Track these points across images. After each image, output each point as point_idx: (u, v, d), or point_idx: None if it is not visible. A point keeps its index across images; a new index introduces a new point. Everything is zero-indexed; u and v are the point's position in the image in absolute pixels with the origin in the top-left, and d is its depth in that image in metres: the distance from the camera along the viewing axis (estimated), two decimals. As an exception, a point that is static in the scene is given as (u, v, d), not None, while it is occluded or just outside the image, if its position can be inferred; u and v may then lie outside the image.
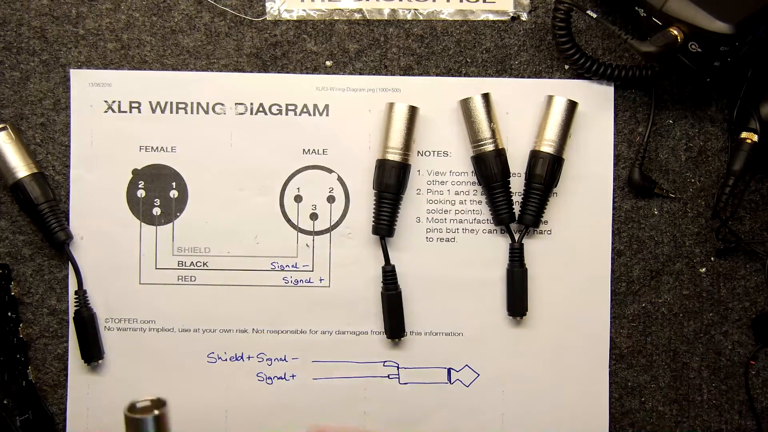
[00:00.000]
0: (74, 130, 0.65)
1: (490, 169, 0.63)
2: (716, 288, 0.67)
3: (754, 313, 0.67)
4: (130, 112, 0.66)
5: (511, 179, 0.65)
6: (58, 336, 0.66)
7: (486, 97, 0.63)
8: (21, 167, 0.63)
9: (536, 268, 0.65)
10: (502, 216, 0.64)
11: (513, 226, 0.65)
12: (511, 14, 0.66)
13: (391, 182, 0.63)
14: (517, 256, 0.65)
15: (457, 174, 0.66)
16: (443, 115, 0.66)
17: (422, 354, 0.66)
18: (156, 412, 0.50)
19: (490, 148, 0.63)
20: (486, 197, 0.65)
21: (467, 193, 0.66)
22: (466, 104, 0.64)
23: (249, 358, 0.66)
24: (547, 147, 0.63)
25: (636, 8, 0.60)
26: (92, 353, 0.64)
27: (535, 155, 0.64)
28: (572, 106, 0.63)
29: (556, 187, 0.65)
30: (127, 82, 0.66)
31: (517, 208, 0.65)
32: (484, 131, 0.63)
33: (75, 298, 0.64)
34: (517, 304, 0.65)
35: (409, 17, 0.66)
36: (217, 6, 0.65)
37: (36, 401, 0.65)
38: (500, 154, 0.64)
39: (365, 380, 0.66)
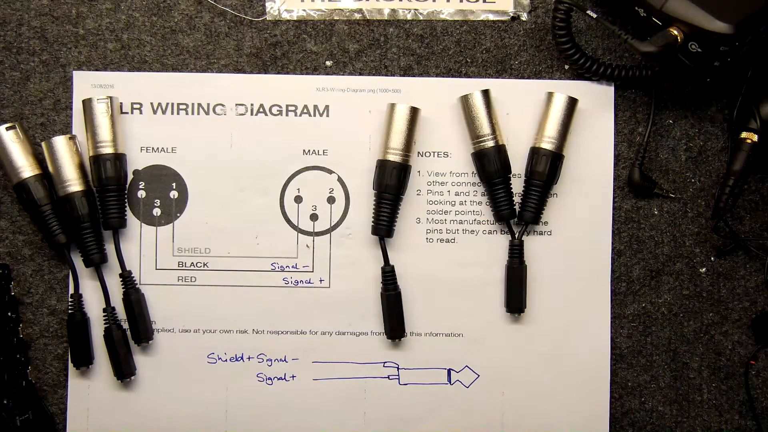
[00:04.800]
0: (75, 131, 0.65)
1: (491, 165, 0.63)
2: (716, 288, 0.67)
3: (754, 313, 0.67)
4: (132, 113, 0.66)
5: (512, 179, 0.65)
6: (58, 336, 0.66)
7: (486, 93, 0.63)
8: (26, 167, 0.63)
9: (536, 268, 0.65)
10: (502, 212, 0.64)
11: (513, 224, 0.65)
12: (511, 14, 0.66)
13: (392, 183, 0.63)
14: (516, 252, 0.65)
15: (457, 175, 0.66)
16: (443, 116, 0.66)
17: (422, 354, 0.66)
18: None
19: (490, 144, 0.63)
20: (487, 194, 0.65)
21: (467, 193, 0.66)
22: (466, 101, 0.64)
23: (249, 358, 0.66)
24: (548, 144, 0.63)
25: (636, 8, 0.60)
26: (81, 358, 0.64)
27: (535, 152, 0.64)
28: (572, 102, 0.63)
29: (556, 184, 0.65)
30: (129, 84, 0.66)
31: (517, 209, 0.65)
32: (485, 127, 0.63)
33: (70, 302, 0.64)
34: (515, 300, 0.65)
35: (409, 17, 0.66)
36: (217, 6, 0.65)
37: (36, 401, 0.65)
38: (501, 150, 0.64)
39: (365, 381, 0.66)
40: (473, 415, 0.66)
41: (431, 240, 0.66)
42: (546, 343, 0.66)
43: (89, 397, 0.66)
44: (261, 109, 0.66)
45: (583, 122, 0.66)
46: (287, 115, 0.66)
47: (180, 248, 0.66)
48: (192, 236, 0.66)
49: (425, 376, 0.66)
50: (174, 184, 0.66)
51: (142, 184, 0.66)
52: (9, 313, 0.64)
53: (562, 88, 0.65)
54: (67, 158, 0.63)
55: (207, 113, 0.66)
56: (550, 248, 0.66)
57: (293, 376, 0.66)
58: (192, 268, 0.66)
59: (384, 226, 0.64)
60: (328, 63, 0.66)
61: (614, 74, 0.64)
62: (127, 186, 0.65)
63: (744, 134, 0.63)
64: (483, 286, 0.66)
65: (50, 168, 0.63)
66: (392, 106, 0.64)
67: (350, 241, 0.66)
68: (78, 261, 0.64)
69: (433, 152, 0.66)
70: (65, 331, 0.65)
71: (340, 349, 0.66)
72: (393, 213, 0.64)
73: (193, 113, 0.66)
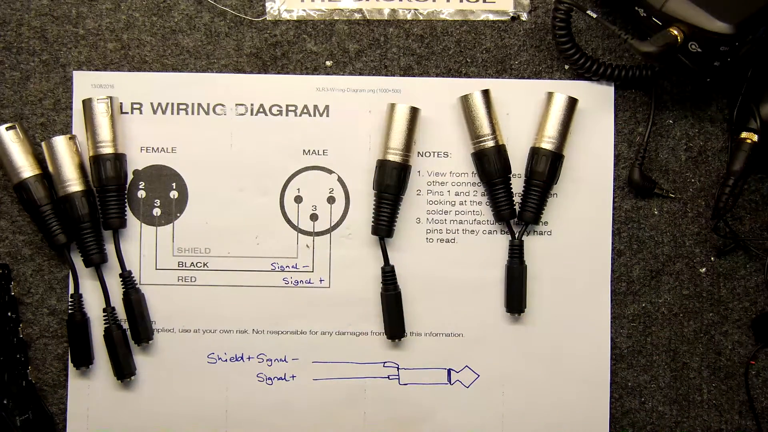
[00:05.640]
0: (75, 131, 0.65)
1: (491, 165, 0.63)
2: (716, 288, 0.67)
3: (754, 313, 0.67)
4: (132, 113, 0.66)
5: (512, 180, 0.65)
6: (58, 336, 0.66)
7: (486, 93, 0.63)
8: (26, 167, 0.63)
9: (536, 268, 0.65)
10: (503, 212, 0.64)
11: (513, 224, 0.65)
12: (511, 14, 0.66)
13: (392, 183, 0.63)
14: (516, 252, 0.65)
15: (457, 175, 0.66)
16: (443, 116, 0.66)
17: (422, 354, 0.66)
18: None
19: (490, 144, 0.63)
20: (487, 194, 0.65)
21: (467, 193, 0.66)
22: (465, 101, 0.64)
23: (249, 358, 0.66)
24: (548, 144, 0.63)
25: (636, 8, 0.60)
26: (81, 358, 0.64)
27: (535, 152, 0.64)
28: (572, 102, 0.63)
29: (556, 184, 0.65)
30: (129, 84, 0.66)
31: (517, 209, 0.65)
32: (485, 127, 0.63)
33: (70, 302, 0.64)
34: (515, 300, 0.65)
35: (409, 17, 0.66)
36: (217, 6, 0.65)
37: (36, 401, 0.65)
38: (501, 150, 0.64)
39: (365, 381, 0.66)
40: (473, 415, 0.66)
41: (431, 240, 0.66)
42: (546, 343, 0.66)
43: (89, 397, 0.66)
44: (261, 109, 0.66)
45: (583, 122, 0.66)
46: (287, 115, 0.66)
47: (180, 248, 0.66)
48: (192, 236, 0.66)
49: (425, 376, 0.66)
50: (174, 184, 0.66)
51: (142, 184, 0.66)
52: (9, 313, 0.64)
53: (562, 88, 0.65)
54: (67, 158, 0.63)
55: (207, 113, 0.66)
56: (550, 248, 0.66)
57: (293, 376, 0.66)
58: (192, 268, 0.66)
59: (384, 226, 0.64)
60: (328, 63, 0.66)
61: (614, 74, 0.64)
62: (127, 186, 0.65)
63: (744, 134, 0.63)
64: (483, 286, 0.66)
65: (50, 168, 0.63)
66: (392, 106, 0.64)
67: (350, 241, 0.66)
68: (78, 261, 0.64)
69: (433, 152, 0.66)
70: (65, 331, 0.65)
71: (340, 349, 0.66)
72: (393, 213, 0.64)
73: (193, 113, 0.66)
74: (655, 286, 0.67)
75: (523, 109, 0.65)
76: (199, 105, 0.66)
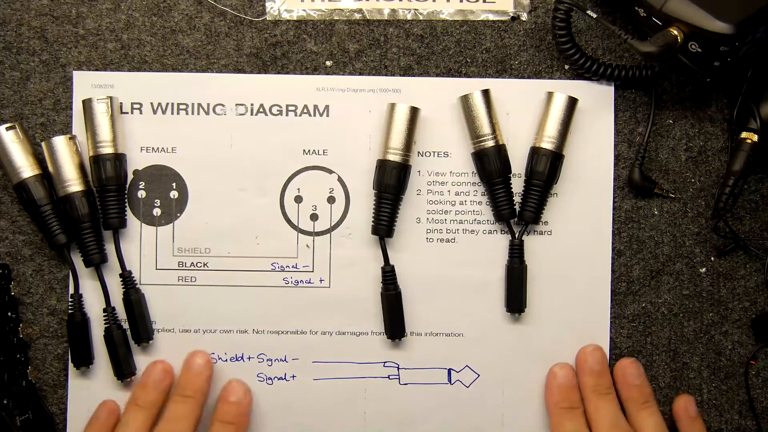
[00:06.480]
0: (75, 131, 0.65)
1: (491, 164, 0.63)
2: (716, 288, 0.67)
3: (754, 313, 0.67)
4: (132, 113, 0.66)
5: (512, 180, 0.65)
6: (58, 336, 0.66)
7: (486, 93, 0.63)
8: (26, 167, 0.63)
9: (536, 268, 0.65)
10: (503, 212, 0.64)
11: (513, 224, 0.65)
12: (511, 14, 0.66)
13: (392, 183, 0.63)
14: (516, 252, 0.65)
15: (457, 174, 0.66)
16: (443, 116, 0.66)
17: (422, 354, 0.66)
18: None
19: (490, 144, 0.63)
20: (487, 194, 0.65)
21: (467, 193, 0.66)
22: (466, 100, 0.64)
23: (249, 358, 0.66)
24: (548, 143, 0.63)
25: (636, 8, 0.60)
26: (81, 358, 0.64)
27: (535, 152, 0.64)
28: (572, 102, 0.63)
29: (556, 183, 0.65)
30: (129, 84, 0.66)
31: (517, 209, 0.65)
32: (485, 127, 0.63)
33: (70, 302, 0.64)
34: (515, 300, 0.65)
35: (409, 17, 0.66)
36: (217, 6, 0.65)
37: (36, 401, 0.65)
38: (501, 150, 0.64)
39: (365, 381, 0.66)
40: (473, 415, 0.66)
41: (431, 240, 0.66)
42: (546, 343, 0.66)
43: (89, 397, 0.65)
44: (261, 109, 0.66)
45: (583, 122, 0.66)
46: (287, 115, 0.66)
47: (180, 248, 0.66)
48: (192, 236, 0.66)
49: (425, 376, 0.66)
50: (174, 184, 0.66)
51: (142, 184, 0.66)
52: (9, 313, 0.64)
53: (562, 88, 0.65)
54: (67, 158, 0.63)
55: (207, 113, 0.66)
56: (550, 248, 0.66)
57: (293, 376, 0.66)
58: (192, 268, 0.66)
59: (384, 226, 0.64)
60: (328, 63, 0.66)
61: (614, 74, 0.64)
62: (127, 186, 0.65)
63: (744, 134, 0.63)
64: (483, 286, 0.66)
65: (50, 168, 0.63)
66: (392, 106, 0.64)
67: (350, 241, 0.66)
68: (78, 261, 0.64)
69: (433, 152, 0.66)
70: (65, 331, 0.65)
71: (340, 349, 0.66)
72: (393, 213, 0.64)
73: (193, 113, 0.66)
74: (655, 286, 0.67)
75: (523, 109, 0.65)
76: (199, 105, 0.66)
